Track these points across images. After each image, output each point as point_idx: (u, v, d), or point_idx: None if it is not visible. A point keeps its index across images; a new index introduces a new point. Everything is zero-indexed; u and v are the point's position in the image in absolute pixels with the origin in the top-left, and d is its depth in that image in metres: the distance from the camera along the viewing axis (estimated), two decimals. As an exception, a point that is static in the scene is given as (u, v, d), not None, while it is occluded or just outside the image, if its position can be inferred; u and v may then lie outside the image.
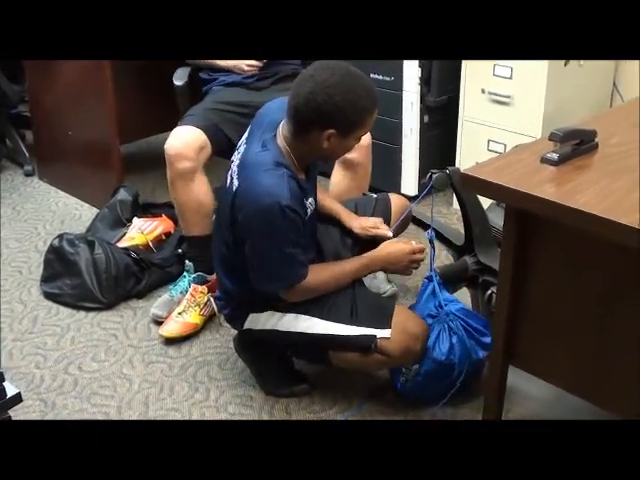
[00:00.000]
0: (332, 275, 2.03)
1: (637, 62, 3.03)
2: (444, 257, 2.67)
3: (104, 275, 2.64)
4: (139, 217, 2.93)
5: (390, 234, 2.14)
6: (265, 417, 2.14)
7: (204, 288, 2.52)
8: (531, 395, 2.12)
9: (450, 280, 2.17)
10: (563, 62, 2.81)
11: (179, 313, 2.48)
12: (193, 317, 2.48)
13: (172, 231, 2.90)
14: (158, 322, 2.54)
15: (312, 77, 1.80)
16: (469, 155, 3.04)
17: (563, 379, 1.68)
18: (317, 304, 2.01)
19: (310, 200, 1.99)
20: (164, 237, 2.89)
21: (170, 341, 2.46)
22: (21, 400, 1.52)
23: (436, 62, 3.06)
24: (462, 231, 2.25)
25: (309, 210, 1.98)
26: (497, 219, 2.17)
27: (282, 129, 1.92)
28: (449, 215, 3.16)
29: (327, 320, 2.00)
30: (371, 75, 3.01)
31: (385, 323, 1.97)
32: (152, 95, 3.18)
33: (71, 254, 2.68)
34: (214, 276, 2.44)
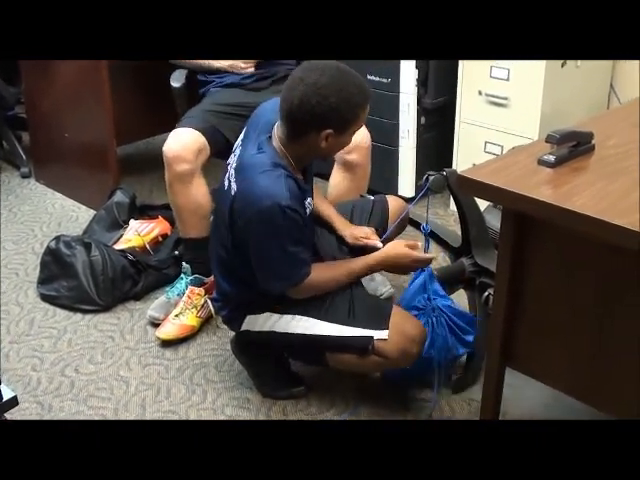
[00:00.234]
0: (337, 273, 2.03)
1: (634, 64, 3.04)
2: (441, 259, 2.67)
3: (101, 277, 2.64)
4: (136, 219, 2.93)
5: (380, 245, 2.13)
6: (262, 419, 2.14)
7: (201, 290, 2.52)
8: (528, 396, 2.12)
9: (447, 282, 2.18)
10: (560, 64, 2.82)
11: (176, 315, 2.48)
12: (190, 319, 2.48)
13: (169, 233, 2.90)
14: (155, 324, 2.53)
15: (302, 80, 1.79)
16: (466, 157, 3.04)
17: (560, 381, 1.68)
18: (315, 305, 2.01)
19: (309, 200, 2.00)
20: (161, 239, 2.89)
21: (167, 343, 2.45)
22: (17, 403, 1.51)
23: (433, 64, 3.06)
24: (459, 233, 2.25)
25: (308, 210, 1.99)
26: (494, 221, 2.17)
27: (277, 131, 1.91)
28: (446, 217, 3.16)
29: (325, 321, 2.00)
30: (368, 77, 3.02)
31: (383, 324, 1.97)
32: (149, 97, 3.18)
33: (68, 256, 2.68)
34: (211, 278, 2.44)
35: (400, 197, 2.58)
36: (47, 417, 2.16)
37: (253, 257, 1.93)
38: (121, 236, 2.86)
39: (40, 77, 3.32)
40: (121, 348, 2.46)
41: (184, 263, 2.60)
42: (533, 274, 1.63)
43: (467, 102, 3.02)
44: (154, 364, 2.38)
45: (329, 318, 2.00)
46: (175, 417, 2.15)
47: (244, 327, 2.11)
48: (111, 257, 2.68)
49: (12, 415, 1.57)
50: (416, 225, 2.40)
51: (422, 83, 3.07)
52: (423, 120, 3.15)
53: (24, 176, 3.74)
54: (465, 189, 1.70)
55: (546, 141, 1.58)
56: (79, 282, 2.64)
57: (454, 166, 3.06)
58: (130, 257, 2.71)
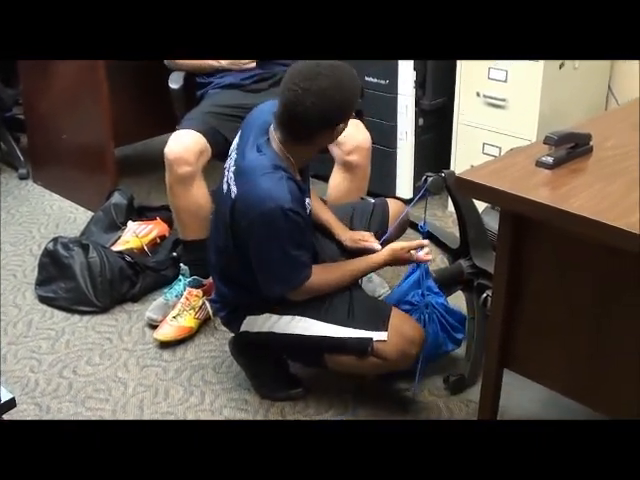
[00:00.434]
0: (337, 274, 2.04)
1: (632, 65, 3.04)
2: (439, 260, 2.68)
3: (99, 279, 2.64)
4: (134, 220, 2.92)
5: (379, 247, 2.13)
6: (260, 420, 2.13)
7: (199, 292, 2.52)
8: (526, 397, 2.12)
9: (445, 283, 2.18)
10: (558, 65, 2.82)
11: (174, 317, 2.48)
12: (188, 321, 2.48)
13: (167, 234, 2.90)
14: (153, 326, 2.53)
15: (304, 89, 1.79)
16: (464, 158, 3.04)
17: (557, 382, 1.68)
18: (314, 306, 2.01)
19: (308, 200, 2.00)
20: (159, 240, 2.88)
21: (165, 345, 2.45)
22: (15, 405, 1.51)
23: (431, 65, 3.06)
24: (457, 234, 2.25)
25: (308, 210, 1.99)
26: (492, 222, 2.17)
27: (275, 133, 1.91)
28: (444, 218, 3.16)
29: (324, 322, 2.00)
30: (366, 78, 3.02)
31: (382, 325, 1.97)
32: (147, 98, 3.18)
33: (65, 257, 2.67)
34: (209, 280, 2.44)
35: (398, 199, 2.59)
36: (45, 418, 2.15)
37: (254, 259, 1.93)
38: (119, 237, 2.86)
39: (38, 79, 3.32)
40: (119, 350, 2.46)
41: (182, 265, 2.60)
42: (531, 275, 1.63)
43: (465, 104, 3.02)
44: (152, 365, 2.38)
45: (328, 319, 2.00)
46: (173, 418, 2.15)
47: (243, 328, 2.11)
48: (109, 259, 2.67)
49: (10, 417, 1.56)
50: (415, 227, 2.40)
51: (420, 85, 3.07)
52: (421, 121, 3.15)
53: (22, 177, 3.73)
54: (463, 190, 1.70)
55: (544, 142, 1.58)
56: (77, 284, 2.64)
57: (452, 167, 3.06)
58: (128, 258, 2.71)
